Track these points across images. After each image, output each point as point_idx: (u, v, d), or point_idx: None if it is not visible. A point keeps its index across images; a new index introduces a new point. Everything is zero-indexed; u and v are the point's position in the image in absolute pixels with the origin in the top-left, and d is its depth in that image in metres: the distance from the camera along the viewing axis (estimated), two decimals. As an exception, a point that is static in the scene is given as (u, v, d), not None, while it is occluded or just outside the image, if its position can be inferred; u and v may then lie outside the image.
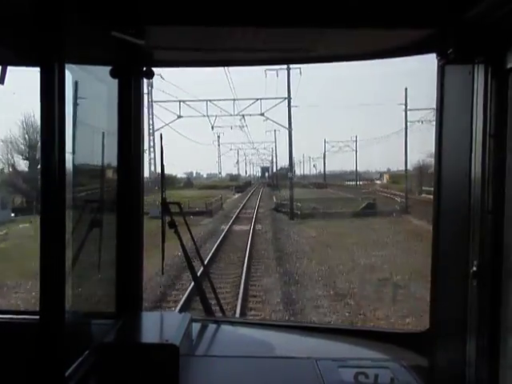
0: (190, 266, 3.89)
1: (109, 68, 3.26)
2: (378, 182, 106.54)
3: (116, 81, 3.34)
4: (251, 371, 3.16)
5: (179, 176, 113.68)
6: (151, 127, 63.13)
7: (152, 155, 66.71)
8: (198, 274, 4.04)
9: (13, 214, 41.67)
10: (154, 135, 65.22)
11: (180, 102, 47.99)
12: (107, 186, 3.49)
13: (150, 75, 3.46)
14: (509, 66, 2.41)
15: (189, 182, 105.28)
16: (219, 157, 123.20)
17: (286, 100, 46.84)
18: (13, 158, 54.07)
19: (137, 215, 3.54)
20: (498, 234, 2.49)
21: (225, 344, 3.64)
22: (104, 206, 3.45)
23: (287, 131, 47.80)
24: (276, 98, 49.50)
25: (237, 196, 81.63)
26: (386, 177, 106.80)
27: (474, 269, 2.56)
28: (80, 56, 2.85)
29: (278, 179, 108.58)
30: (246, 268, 19.56)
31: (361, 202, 49.55)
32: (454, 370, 2.81)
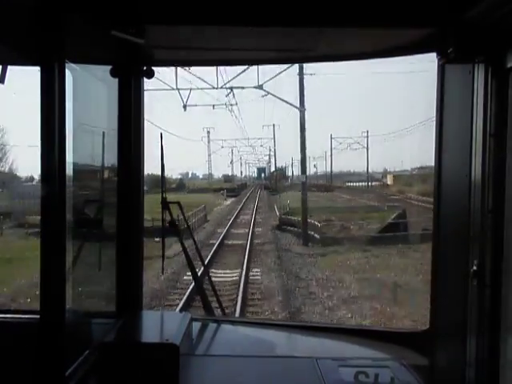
0: (190, 266, 3.89)
1: (109, 67, 3.26)
2: (378, 183, 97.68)
3: (116, 80, 3.34)
4: (251, 370, 3.16)
5: (174, 177, 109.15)
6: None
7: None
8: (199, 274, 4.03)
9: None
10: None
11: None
12: (107, 186, 3.49)
13: (151, 75, 3.46)
14: (509, 65, 2.41)
15: (181, 184, 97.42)
16: (209, 155, 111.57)
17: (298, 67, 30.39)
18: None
19: (137, 215, 3.54)
20: (498, 234, 2.49)
21: (225, 343, 3.64)
22: (104, 205, 3.45)
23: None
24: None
25: (229, 202, 69.28)
26: (389, 178, 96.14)
27: (474, 269, 2.56)
28: (80, 55, 2.85)
29: (277, 181, 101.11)
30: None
31: (387, 211, 36.49)
32: (453, 370, 2.81)
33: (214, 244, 25.65)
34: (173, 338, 2.92)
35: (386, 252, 23.27)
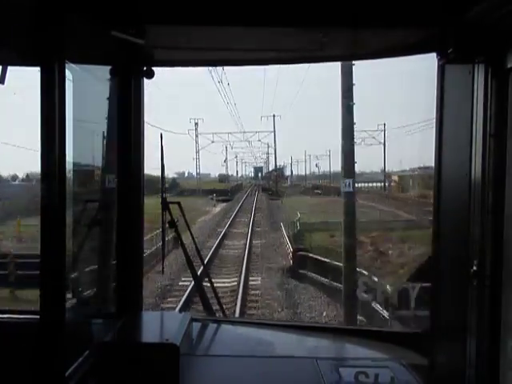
0: (190, 266, 3.89)
1: (109, 68, 3.26)
2: (379, 184, 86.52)
3: (116, 80, 3.34)
4: (251, 371, 3.16)
5: (170, 176, 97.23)
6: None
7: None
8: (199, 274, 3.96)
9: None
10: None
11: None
12: (107, 186, 3.49)
13: (150, 75, 3.46)
14: (509, 65, 2.41)
15: (174, 184, 78.52)
16: (197, 152, 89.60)
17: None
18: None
19: (137, 215, 3.54)
20: (498, 234, 2.49)
21: (225, 343, 3.64)
22: (104, 205, 3.45)
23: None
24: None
25: (218, 209, 53.50)
26: (394, 179, 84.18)
27: (474, 269, 2.56)
28: (80, 56, 2.85)
29: (277, 182, 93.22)
30: None
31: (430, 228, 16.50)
32: (453, 370, 2.81)
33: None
34: (173, 338, 2.92)
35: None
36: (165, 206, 3.63)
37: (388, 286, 13.51)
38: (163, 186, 3.81)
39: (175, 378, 2.82)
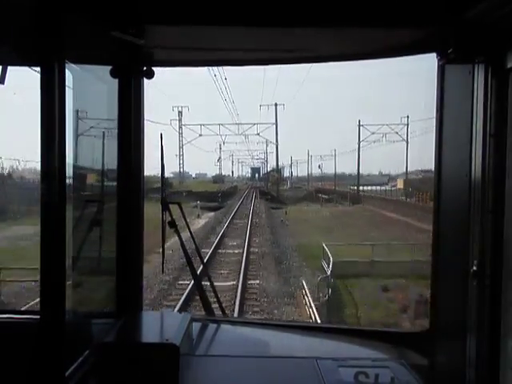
0: (190, 266, 3.89)
1: (109, 68, 3.26)
2: (378, 188, 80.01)
3: (116, 81, 3.34)
4: (251, 371, 3.16)
5: (166, 176, 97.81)
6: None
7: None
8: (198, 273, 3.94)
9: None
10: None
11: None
12: (107, 186, 3.49)
13: (151, 75, 3.46)
14: (509, 65, 2.41)
15: (167, 184, 63.50)
16: (181, 147, 77.77)
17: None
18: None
19: (137, 215, 3.54)
20: (498, 234, 2.49)
21: (225, 343, 3.64)
22: (104, 205, 3.45)
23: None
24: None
25: (202, 222, 39.88)
26: (399, 182, 78.47)
27: (474, 269, 2.56)
28: (80, 56, 2.85)
29: (278, 184, 78.55)
30: None
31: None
32: (454, 370, 2.81)
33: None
34: (173, 338, 2.92)
35: None
36: (165, 206, 3.63)
37: None
38: (163, 185, 3.81)
39: (175, 378, 2.82)
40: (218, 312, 3.95)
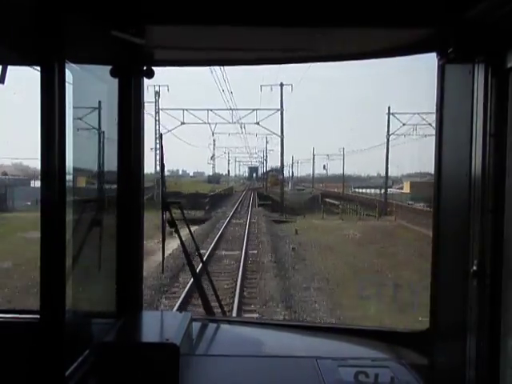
0: (190, 265, 3.89)
1: (109, 67, 3.26)
2: (373, 191, 72.81)
3: (116, 80, 3.34)
4: (251, 370, 3.16)
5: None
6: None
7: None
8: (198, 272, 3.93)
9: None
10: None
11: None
12: (107, 186, 3.49)
13: (151, 75, 3.46)
14: (509, 65, 2.41)
15: (159, 183, 42.80)
16: (159, 136, 49.41)
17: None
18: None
19: (137, 215, 3.54)
20: (499, 234, 2.49)
21: (225, 343, 3.64)
22: (104, 205, 3.45)
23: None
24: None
25: (157, 261, 16.78)
26: (405, 185, 72.37)
27: (474, 268, 2.56)
28: (80, 55, 2.85)
29: (283, 187, 56.80)
30: None
31: None
32: (453, 370, 2.81)
33: None
34: (173, 338, 2.92)
35: None
36: (165, 205, 3.63)
37: None
38: (163, 185, 3.82)
39: (175, 377, 2.82)
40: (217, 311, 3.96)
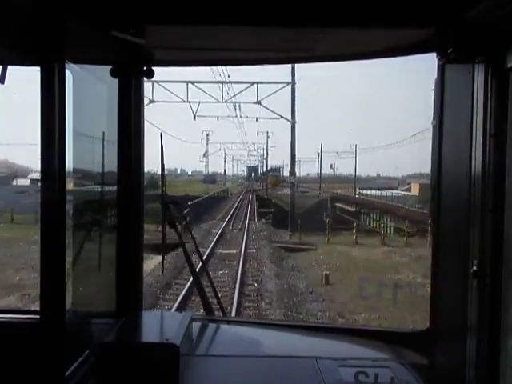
0: (190, 266, 3.89)
1: (109, 67, 3.26)
2: (377, 192, 66.71)
3: (116, 80, 3.34)
4: (251, 370, 3.16)
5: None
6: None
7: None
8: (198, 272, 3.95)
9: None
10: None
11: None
12: (107, 186, 3.49)
13: (151, 75, 3.46)
14: (509, 65, 2.41)
15: (153, 183, 38.86)
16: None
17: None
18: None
19: (137, 215, 3.54)
20: (499, 234, 2.49)
21: (225, 343, 3.64)
22: (104, 205, 3.45)
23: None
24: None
25: None
26: (414, 187, 67.35)
27: (474, 268, 2.56)
28: (80, 55, 2.85)
29: (293, 190, 40.95)
30: None
31: None
32: (453, 370, 2.81)
33: None
34: (173, 338, 2.92)
35: None
36: (165, 205, 3.63)
37: None
38: (163, 185, 3.81)
39: (175, 377, 2.82)
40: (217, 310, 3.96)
